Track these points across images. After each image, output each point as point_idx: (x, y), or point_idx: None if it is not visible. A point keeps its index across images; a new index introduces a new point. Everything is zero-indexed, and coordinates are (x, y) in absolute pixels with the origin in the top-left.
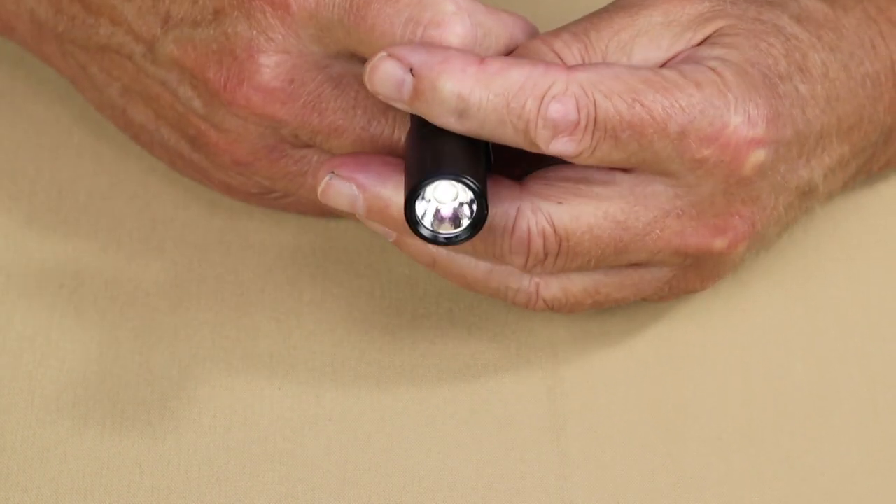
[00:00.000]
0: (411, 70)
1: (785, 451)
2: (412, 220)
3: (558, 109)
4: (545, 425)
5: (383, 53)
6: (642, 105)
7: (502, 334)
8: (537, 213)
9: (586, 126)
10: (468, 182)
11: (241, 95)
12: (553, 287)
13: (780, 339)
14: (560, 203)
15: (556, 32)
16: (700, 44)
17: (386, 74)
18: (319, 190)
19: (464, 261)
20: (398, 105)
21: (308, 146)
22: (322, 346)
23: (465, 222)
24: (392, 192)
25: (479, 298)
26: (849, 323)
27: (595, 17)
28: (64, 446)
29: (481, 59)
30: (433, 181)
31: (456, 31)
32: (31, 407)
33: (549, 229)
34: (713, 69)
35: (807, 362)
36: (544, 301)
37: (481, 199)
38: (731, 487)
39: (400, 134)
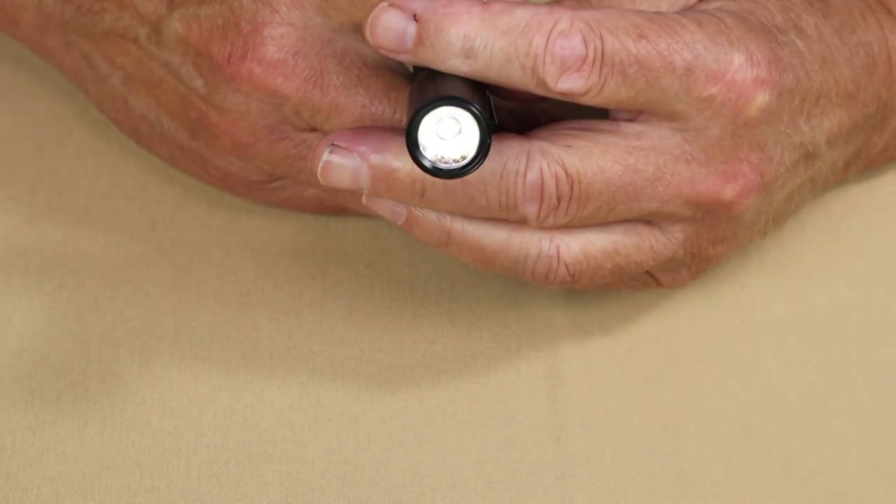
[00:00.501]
0: (414, 17)
1: (785, 451)
2: (413, 144)
3: (565, 45)
4: (545, 425)
5: (384, 4)
6: (648, 41)
7: (502, 334)
8: (548, 155)
9: (594, 61)
10: (473, 109)
11: (245, 69)
12: (574, 248)
13: (780, 340)
14: (569, 146)
15: (560, 1)
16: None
17: (388, 24)
18: (319, 168)
19: (479, 231)
20: (401, 57)
21: (309, 129)
22: (322, 346)
23: (470, 155)
24: (396, 158)
25: (479, 298)
26: (849, 322)
27: None
28: (64, 446)
29: (485, 2)
30: (437, 106)
31: None
32: (31, 407)
33: (560, 171)
34: (712, 14)
35: (807, 362)
36: (566, 266)
37: (483, 125)
38: (731, 487)
39: (401, 115)
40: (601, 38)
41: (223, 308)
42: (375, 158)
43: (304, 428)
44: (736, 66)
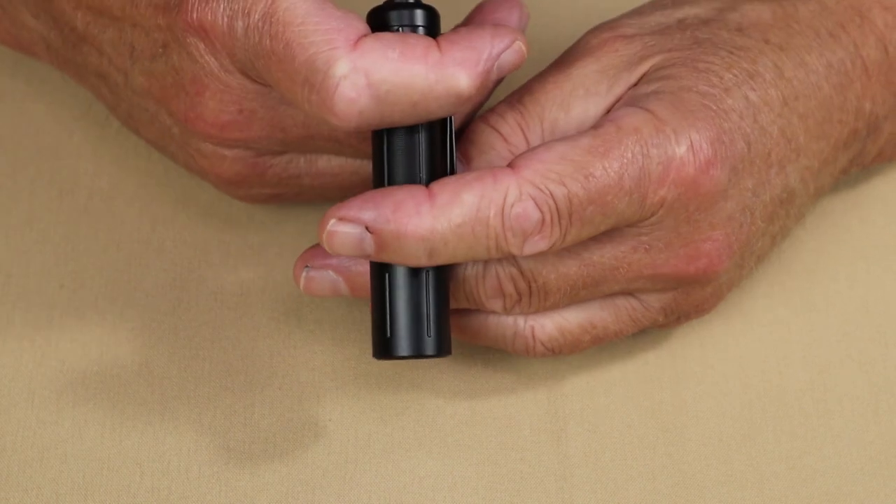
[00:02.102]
0: (367, 228)
1: (785, 452)
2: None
3: (520, 215)
4: (546, 426)
5: (333, 219)
6: (595, 177)
7: None
8: (503, 260)
9: (552, 220)
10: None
11: (200, 129)
12: (548, 327)
13: (780, 340)
14: None
15: (494, 108)
16: (638, 82)
17: (343, 239)
18: (302, 286)
19: (459, 316)
20: (365, 259)
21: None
22: (322, 346)
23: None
24: (367, 267)
25: None
26: (849, 324)
27: (531, 80)
28: (64, 446)
29: (429, 191)
30: (388, 359)
31: (348, 95)
32: (31, 407)
33: (516, 273)
34: (645, 108)
35: (806, 363)
36: (542, 343)
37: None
38: (731, 488)
39: None
40: (552, 196)
41: (223, 308)
42: (348, 272)
43: (304, 428)
44: (678, 162)
